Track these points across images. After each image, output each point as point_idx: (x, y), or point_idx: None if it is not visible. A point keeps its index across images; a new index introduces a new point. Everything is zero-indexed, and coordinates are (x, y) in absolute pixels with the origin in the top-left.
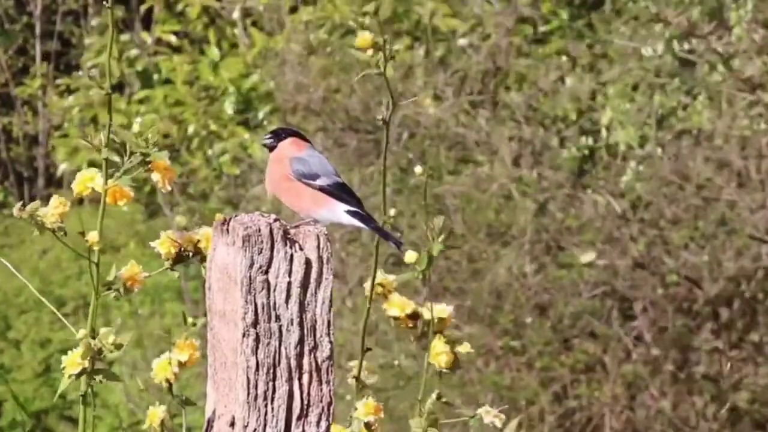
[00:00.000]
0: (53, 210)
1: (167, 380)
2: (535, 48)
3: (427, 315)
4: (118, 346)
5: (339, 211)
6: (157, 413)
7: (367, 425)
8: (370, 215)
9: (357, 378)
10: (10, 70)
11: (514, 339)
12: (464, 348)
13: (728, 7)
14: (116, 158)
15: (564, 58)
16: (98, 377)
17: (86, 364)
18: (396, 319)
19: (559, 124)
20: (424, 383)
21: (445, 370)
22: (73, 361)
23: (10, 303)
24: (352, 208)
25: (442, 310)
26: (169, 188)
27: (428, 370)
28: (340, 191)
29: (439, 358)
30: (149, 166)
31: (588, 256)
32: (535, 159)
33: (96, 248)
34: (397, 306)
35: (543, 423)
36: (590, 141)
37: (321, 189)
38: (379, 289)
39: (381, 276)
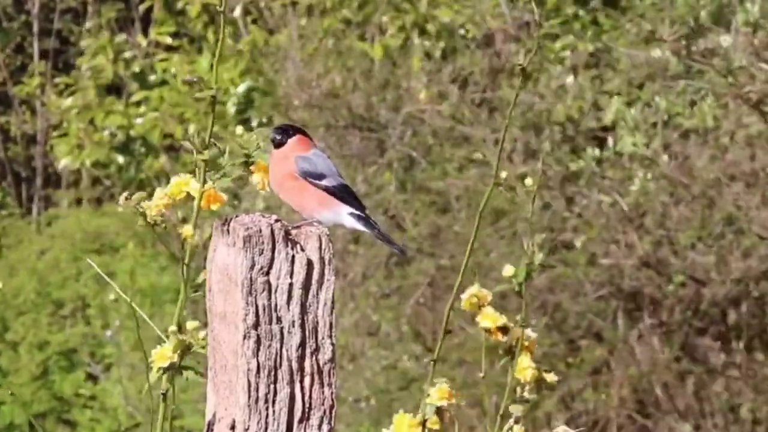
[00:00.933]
0: (157, 201)
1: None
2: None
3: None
4: None
5: (343, 213)
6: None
7: (439, 410)
8: (373, 219)
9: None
10: (7, 68)
11: None
12: (550, 377)
13: (734, 9)
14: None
15: (568, 53)
16: (186, 373)
17: (175, 358)
18: (487, 331)
19: (564, 124)
20: (507, 396)
21: (526, 393)
22: (163, 355)
23: (8, 304)
24: (355, 211)
25: (528, 335)
26: (269, 190)
27: (512, 384)
28: (344, 193)
29: (525, 373)
30: (251, 167)
31: (580, 241)
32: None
33: (189, 248)
34: (490, 318)
35: (549, 426)
36: (597, 151)
37: (326, 190)
38: (474, 300)
39: (477, 288)
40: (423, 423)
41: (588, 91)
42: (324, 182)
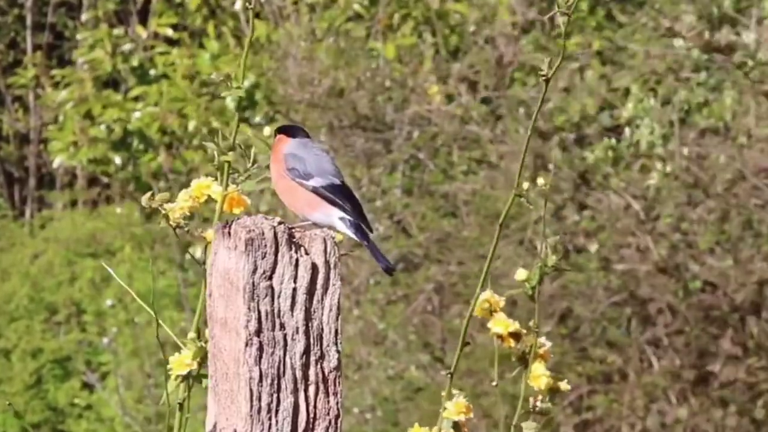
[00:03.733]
0: (182, 203)
1: None
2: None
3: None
4: None
5: (333, 217)
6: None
7: (456, 425)
8: (366, 225)
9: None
10: None
11: None
12: (564, 385)
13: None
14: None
15: (580, 52)
16: (204, 381)
17: (194, 366)
18: (499, 337)
19: (577, 122)
20: (521, 405)
21: (540, 403)
22: (181, 362)
23: (0, 310)
24: (347, 216)
25: (541, 344)
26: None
27: (525, 391)
28: (335, 194)
29: (539, 381)
30: None
31: (593, 246)
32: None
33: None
34: (502, 324)
35: None
36: (612, 141)
37: (314, 190)
38: (486, 306)
39: (489, 293)
40: None
41: (601, 87)
42: (311, 182)
